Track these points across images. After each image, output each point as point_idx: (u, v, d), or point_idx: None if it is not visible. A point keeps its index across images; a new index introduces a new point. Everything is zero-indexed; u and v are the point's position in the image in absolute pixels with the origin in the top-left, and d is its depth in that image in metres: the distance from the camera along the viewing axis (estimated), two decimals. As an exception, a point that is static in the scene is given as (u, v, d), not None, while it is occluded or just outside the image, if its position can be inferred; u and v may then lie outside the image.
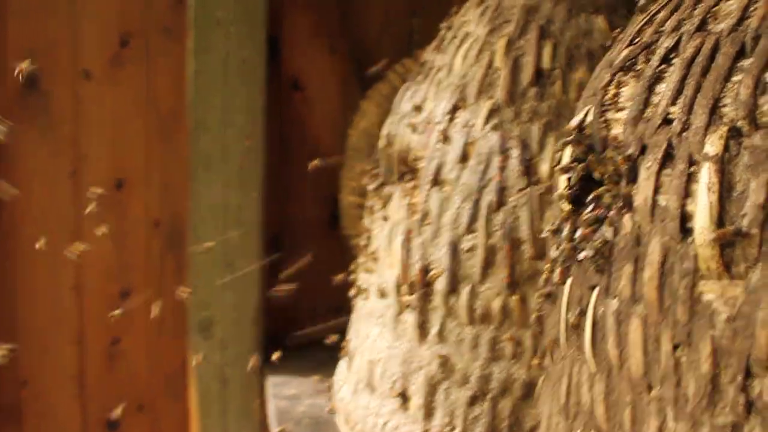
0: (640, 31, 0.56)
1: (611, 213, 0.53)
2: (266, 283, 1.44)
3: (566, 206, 0.59)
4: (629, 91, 0.54)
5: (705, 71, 0.48)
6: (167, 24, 1.50)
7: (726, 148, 0.45)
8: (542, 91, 0.92)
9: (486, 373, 0.92)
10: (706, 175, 0.45)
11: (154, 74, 1.51)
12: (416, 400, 0.96)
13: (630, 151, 0.51)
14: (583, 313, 0.55)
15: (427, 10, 1.46)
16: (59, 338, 1.55)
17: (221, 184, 1.37)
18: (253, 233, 1.40)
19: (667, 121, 0.49)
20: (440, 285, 0.94)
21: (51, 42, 1.48)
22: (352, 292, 1.16)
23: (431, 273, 0.95)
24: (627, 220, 0.51)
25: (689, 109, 0.47)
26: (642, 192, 0.49)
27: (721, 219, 0.44)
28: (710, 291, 0.45)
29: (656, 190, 0.48)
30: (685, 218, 0.46)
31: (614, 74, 0.55)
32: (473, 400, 0.93)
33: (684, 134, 0.47)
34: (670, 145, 0.48)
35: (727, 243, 0.44)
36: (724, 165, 0.45)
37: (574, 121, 0.59)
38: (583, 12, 0.95)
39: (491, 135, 0.92)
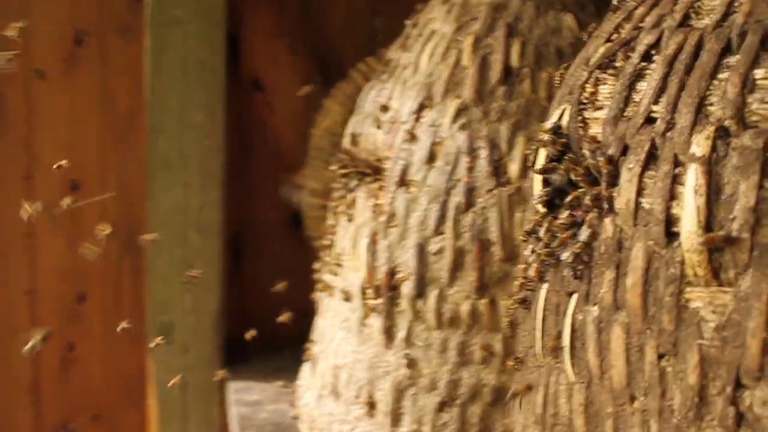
0: (617, 28, 0.54)
1: (590, 216, 0.51)
2: (227, 286, 1.41)
3: (542, 209, 0.57)
4: (608, 89, 0.52)
5: (689, 69, 0.46)
6: (123, 22, 1.45)
7: (713, 148, 0.43)
8: (511, 89, 0.90)
9: (455, 379, 0.90)
10: (693, 176, 0.43)
11: (109, 74, 1.47)
12: (383, 407, 0.94)
13: (611, 151, 0.49)
14: (560, 321, 0.53)
15: (391, 8, 1.43)
16: (12, 345, 1.50)
17: (180, 186, 1.33)
18: (212, 235, 1.37)
19: (649, 121, 0.47)
20: (407, 288, 0.92)
21: (1, 40, 1.43)
22: (315, 294, 1.13)
23: (398, 276, 0.92)
24: (608, 224, 0.49)
25: (673, 108, 0.45)
26: (624, 194, 0.47)
27: (708, 223, 0.42)
28: (697, 298, 0.43)
29: (639, 193, 0.46)
30: (670, 222, 0.44)
31: (592, 72, 0.53)
32: (442, 406, 0.91)
33: (668, 134, 0.45)
34: (653, 146, 0.46)
35: (716, 248, 0.42)
36: (711, 166, 0.43)
37: (550, 121, 0.57)
38: (552, 9, 0.93)
39: (459, 135, 0.90)
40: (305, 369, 1.14)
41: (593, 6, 0.95)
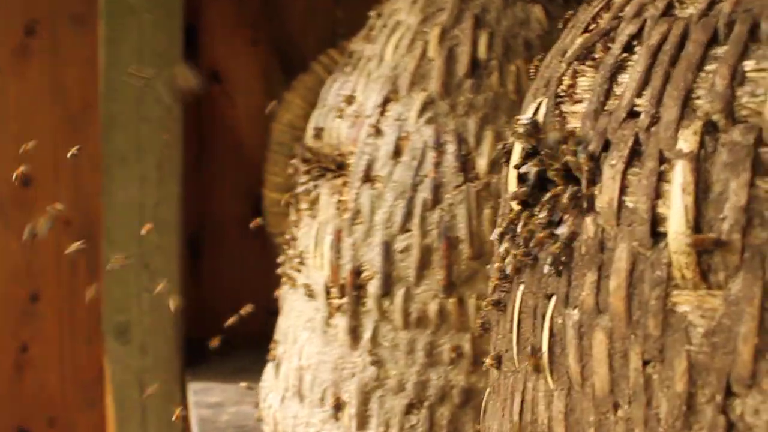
0: (595, 18, 0.52)
1: (570, 215, 0.48)
2: (186, 285, 1.37)
3: (517, 206, 0.54)
4: (587, 81, 0.49)
5: (674, 60, 0.43)
6: (76, 11, 1.41)
7: (701, 144, 0.41)
8: (478, 82, 0.87)
9: (423, 380, 0.88)
10: (680, 174, 0.41)
11: (62, 65, 1.43)
12: (349, 409, 0.92)
13: (591, 147, 0.46)
14: (538, 324, 0.51)
15: (353, -1, 1.41)
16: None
17: (137, 181, 1.30)
18: (170, 232, 1.33)
19: (632, 115, 0.45)
20: (373, 287, 0.89)
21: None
22: (278, 292, 1.11)
23: (363, 275, 0.90)
24: (589, 224, 0.46)
25: (658, 102, 0.43)
26: (606, 192, 0.45)
27: (697, 223, 0.40)
28: (685, 302, 0.41)
29: (622, 191, 0.44)
30: (655, 222, 0.42)
31: (570, 63, 0.51)
32: (409, 408, 0.88)
33: (653, 129, 0.43)
34: (637, 141, 0.44)
35: (705, 250, 0.40)
36: (699, 163, 0.40)
37: (525, 115, 0.54)
38: (520, 0, 0.91)
39: (425, 129, 0.88)
40: (268, 370, 1.11)
41: (561, -3, 0.93)
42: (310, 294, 0.96)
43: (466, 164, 0.86)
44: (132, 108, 1.28)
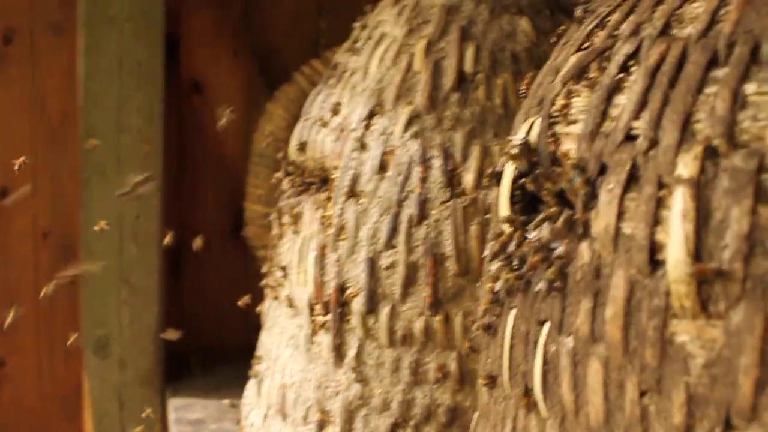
0: (590, 35, 0.51)
1: (564, 239, 0.47)
2: (166, 298, 1.35)
3: (508, 228, 0.53)
4: (582, 102, 0.48)
5: (673, 82, 0.42)
6: (55, 20, 1.39)
7: (702, 169, 0.39)
8: (465, 96, 0.86)
9: (408, 399, 0.86)
10: (681, 200, 0.39)
11: (40, 74, 1.40)
12: (333, 428, 0.90)
13: (587, 170, 0.45)
14: (531, 351, 0.49)
15: (337, 9, 1.39)
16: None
17: (117, 195, 1.27)
18: (151, 245, 1.31)
19: (630, 138, 0.43)
20: (357, 304, 0.88)
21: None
22: (261, 307, 1.09)
23: (348, 292, 0.88)
24: (584, 249, 0.45)
25: (656, 125, 0.42)
26: (603, 218, 0.43)
27: (697, 251, 0.39)
28: (684, 332, 0.40)
29: (619, 216, 0.43)
30: (654, 249, 0.41)
31: (564, 83, 0.49)
32: (395, 428, 0.87)
33: (651, 153, 0.42)
34: (634, 165, 0.42)
35: (705, 279, 0.39)
36: (700, 189, 0.39)
37: (518, 135, 0.53)
38: (506, 13, 0.90)
39: (411, 143, 0.86)
40: (250, 386, 1.09)
41: (548, 10, 0.92)
42: (294, 311, 0.95)
43: (452, 179, 0.84)
44: (112, 119, 1.26)
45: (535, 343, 0.49)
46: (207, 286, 1.46)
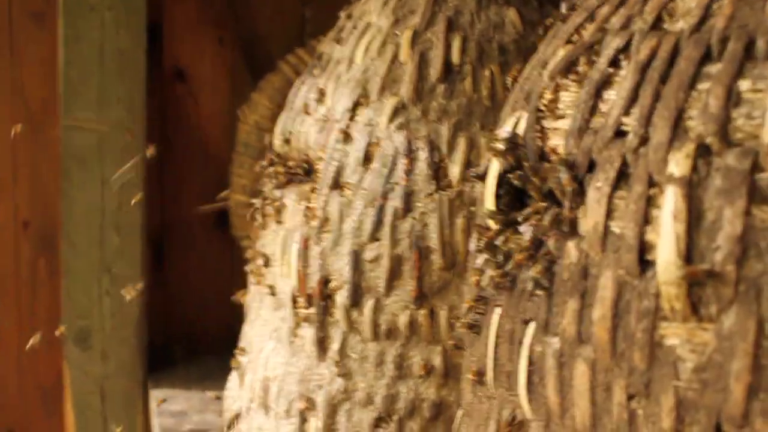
0: (578, 28, 0.49)
1: (551, 237, 0.46)
2: (149, 289, 1.34)
3: (494, 225, 0.52)
4: (570, 96, 0.47)
5: (664, 77, 0.41)
6: (35, 8, 1.37)
7: (694, 168, 0.38)
8: (451, 87, 0.85)
9: (392, 393, 0.85)
10: (671, 200, 0.38)
11: (21, 64, 1.38)
12: (316, 422, 0.89)
13: (575, 166, 0.44)
14: (515, 351, 0.48)
15: (322, -4, 1.38)
16: None
17: (98, 184, 1.26)
18: (133, 235, 1.30)
19: (620, 134, 0.42)
20: (341, 298, 0.86)
21: None
22: (243, 297, 1.08)
23: (331, 284, 0.87)
24: (571, 248, 0.44)
25: (647, 121, 0.41)
26: (591, 216, 0.42)
27: (688, 252, 0.38)
28: (674, 335, 0.39)
29: (608, 215, 0.42)
30: (644, 249, 0.40)
31: (552, 77, 0.48)
32: (378, 422, 0.86)
33: (642, 150, 0.41)
34: (624, 163, 0.41)
35: (696, 282, 0.38)
36: (691, 189, 0.38)
37: (503, 128, 0.52)
38: (493, 4, 0.88)
39: (396, 135, 0.85)
40: (233, 378, 1.08)
41: (536, 1, 0.90)
42: (277, 303, 0.93)
43: (438, 172, 0.83)
44: (93, 108, 1.24)
45: (521, 342, 0.48)
46: (190, 277, 1.44)
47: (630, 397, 0.41)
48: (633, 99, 0.42)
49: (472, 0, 0.88)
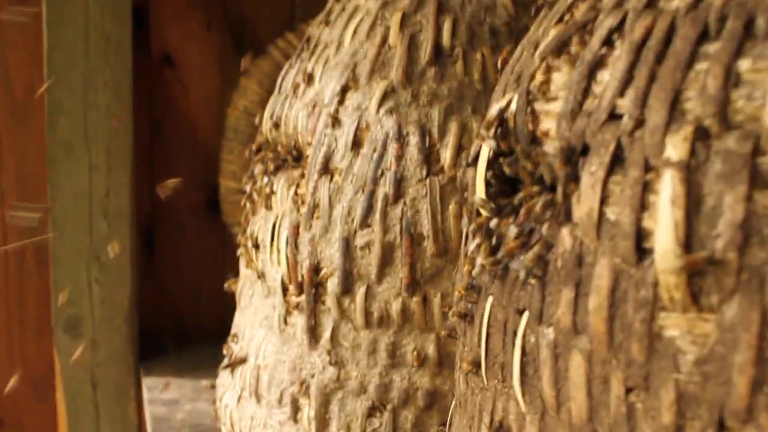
0: (571, 7, 0.48)
1: (544, 224, 0.44)
2: (139, 276, 1.32)
3: (485, 212, 0.50)
4: (562, 78, 0.45)
5: (660, 57, 0.39)
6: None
7: (692, 152, 0.37)
8: (442, 71, 0.83)
9: (385, 382, 0.83)
10: (669, 185, 0.37)
11: (4, 47, 1.36)
12: (308, 411, 0.87)
13: (567, 151, 0.42)
14: (508, 341, 0.47)
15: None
16: None
17: (85, 170, 1.24)
18: (122, 223, 1.28)
19: (614, 117, 0.41)
20: (332, 285, 0.85)
21: None
22: (233, 285, 1.06)
23: (322, 272, 0.85)
24: (565, 235, 0.42)
25: (642, 103, 0.39)
26: (585, 202, 0.41)
27: (688, 240, 0.36)
28: (673, 326, 0.37)
29: (603, 201, 0.40)
30: (641, 237, 0.38)
31: (543, 58, 0.46)
32: (372, 411, 0.84)
33: (637, 133, 0.39)
34: (619, 146, 0.40)
35: (697, 271, 0.36)
36: (690, 173, 0.37)
37: (493, 112, 0.50)
38: (485, -17, 0.86)
39: (386, 119, 0.83)
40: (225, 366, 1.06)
41: (528, -20, 0.88)
42: (267, 291, 0.92)
43: (429, 157, 0.81)
44: (78, 94, 1.22)
45: (514, 333, 0.46)
46: (182, 264, 1.43)
47: (628, 391, 0.39)
48: (628, 80, 0.41)
49: (462, -20, 0.86)
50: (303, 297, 0.87)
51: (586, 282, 0.41)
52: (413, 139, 0.82)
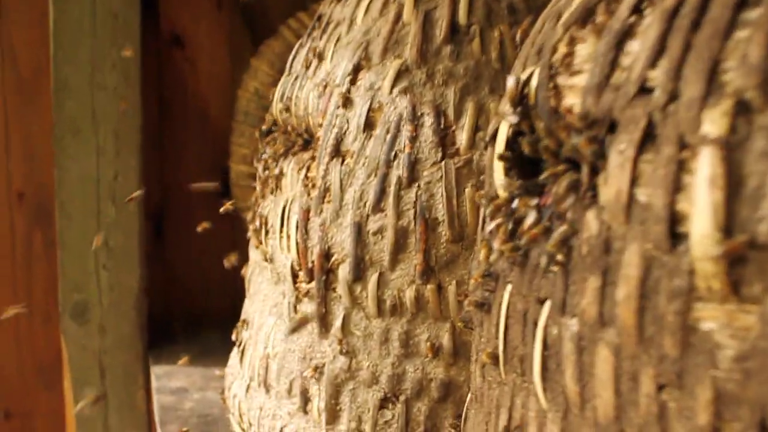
0: (597, -26, 0.44)
1: (567, 207, 0.41)
2: (148, 261, 1.30)
3: (504, 193, 0.47)
4: (588, 49, 0.42)
5: (695, 24, 0.36)
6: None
7: (732, 127, 0.33)
8: (458, 49, 0.80)
9: (398, 372, 0.81)
10: (707, 163, 0.34)
11: (10, 27, 1.33)
12: (318, 402, 0.85)
13: (594, 128, 0.39)
14: (529, 333, 0.44)
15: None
16: None
17: (92, 153, 1.21)
18: (130, 207, 1.25)
19: (645, 90, 0.37)
20: (343, 272, 0.82)
21: None
22: (244, 271, 1.04)
23: (333, 258, 0.82)
24: (591, 219, 0.39)
25: (677, 74, 0.36)
26: (613, 183, 0.38)
27: (727, 223, 0.33)
28: (711, 318, 0.34)
29: (633, 182, 0.37)
30: (675, 220, 0.35)
31: (567, 28, 0.43)
32: (384, 403, 0.81)
33: (671, 108, 0.36)
34: (651, 122, 0.37)
35: (737, 257, 0.33)
36: (730, 151, 0.33)
37: (511, 85, 0.47)
38: (503, -42, 0.83)
39: (400, 100, 0.80)
40: (233, 356, 1.04)
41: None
42: (276, 278, 0.89)
43: (445, 139, 0.78)
44: (86, 74, 1.20)
45: (535, 324, 0.43)
46: (191, 249, 1.40)
47: (660, 388, 0.36)
48: (659, 50, 0.37)
49: (479, -45, 0.83)
50: (313, 284, 0.84)
51: (613, 270, 0.38)
52: (428, 121, 0.78)
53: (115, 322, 1.28)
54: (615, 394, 0.38)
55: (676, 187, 0.35)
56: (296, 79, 0.91)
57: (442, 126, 0.78)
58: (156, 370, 1.22)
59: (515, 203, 0.46)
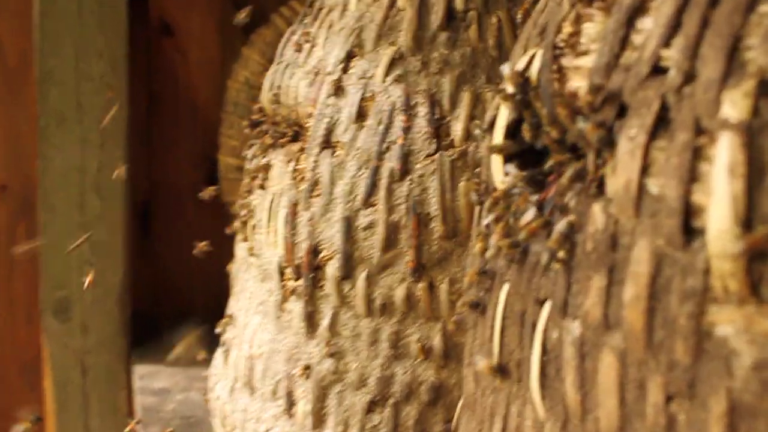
0: (605, -53, 0.41)
1: (572, 199, 0.38)
2: (133, 257, 1.26)
3: (502, 185, 0.44)
4: (595, 28, 0.39)
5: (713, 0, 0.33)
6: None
7: (755, 111, 0.30)
8: (455, 36, 0.77)
9: (387, 375, 0.78)
10: (726, 150, 0.30)
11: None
12: (304, 405, 0.82)
13: (601, 111, 0.36)
14: (526, 335, 0.40)
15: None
16: None
17: (77, 144, 1.18)
18: (115, 200, 1.22)
19: (658, 71, 0.34)
20: (332, 269, 0.79)
21: None
22: (229, 267, 1.01)
23: (321, 254, 0.80)
24: (597, 212, 0.36)
25: (693, 53, 0.33)
26: (622, 173, 0.34)
27: (748, 217, 0.30)
28: (727, 322, 0.31)
29: (644, 171, 0.34)
30: (689, 214, 0.32)
31: (572, 5, 0.40)
32: (372, 406, 0.78)
33: (686, 90, 0.33)
34: (664, 106, 0.33)
35: (757, 254, 0.30)
36: (752, 137, 0.30)
37: (509, 68, 0.44)
38: (502, -57, 0.80)
39: (393, 89, 0.77)
40: (218, 355, 1.01)
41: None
42: (263, 275, 0.86)
43: (439, 130, 0.76)
44: (71, 63, 1.17)
45: (533, 326, 0.40)
46: (180, 245, 1.37)
47: (669, 398, 0.33)
48: (675, 27, 0.34)
49: (478, -61, 0.80)
50: (300, 281, 0.81)
51: (621, 268, 0.34)
52: (422, 111, 0.76)
53: (98, 321, 1.25)
54: (619, 404, 0.35)
55: (692, 177, 0.32)
56: (287, 67, 0.88)
57: (436, 116, 0.76)
58: (139, 370, 1.19)
59: (514, 195, 0.43)
